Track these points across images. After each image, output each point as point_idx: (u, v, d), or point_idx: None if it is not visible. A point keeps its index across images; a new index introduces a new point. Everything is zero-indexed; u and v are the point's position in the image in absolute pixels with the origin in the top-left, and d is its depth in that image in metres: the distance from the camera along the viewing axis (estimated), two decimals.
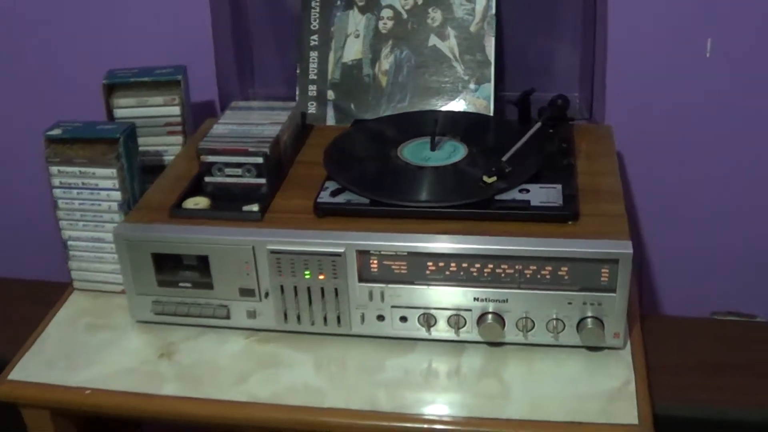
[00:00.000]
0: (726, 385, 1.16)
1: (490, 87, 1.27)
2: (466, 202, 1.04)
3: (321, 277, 1.03)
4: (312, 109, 1.32)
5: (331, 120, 1.32)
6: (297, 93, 1.33)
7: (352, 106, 1.31)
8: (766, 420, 1.10)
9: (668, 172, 1.44)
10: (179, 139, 1.27)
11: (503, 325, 1.03)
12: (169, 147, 1.28)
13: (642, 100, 1.39)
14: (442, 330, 1.04)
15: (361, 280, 1.03)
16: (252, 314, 1.08)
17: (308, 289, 1.04)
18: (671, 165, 1.44)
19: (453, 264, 1.01)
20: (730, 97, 1.37)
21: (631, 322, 1.05)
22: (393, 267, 1.02)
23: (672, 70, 1.36)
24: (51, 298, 1.22)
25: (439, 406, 0.99)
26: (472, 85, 1.28)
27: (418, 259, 1.01)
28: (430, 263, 1.01)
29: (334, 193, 1.07)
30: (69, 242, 1.18)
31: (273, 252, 1.03)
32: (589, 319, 1.01)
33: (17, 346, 1.13)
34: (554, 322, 1.02)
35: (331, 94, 1.32)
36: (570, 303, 1.01)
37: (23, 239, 1.68)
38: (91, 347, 1.11)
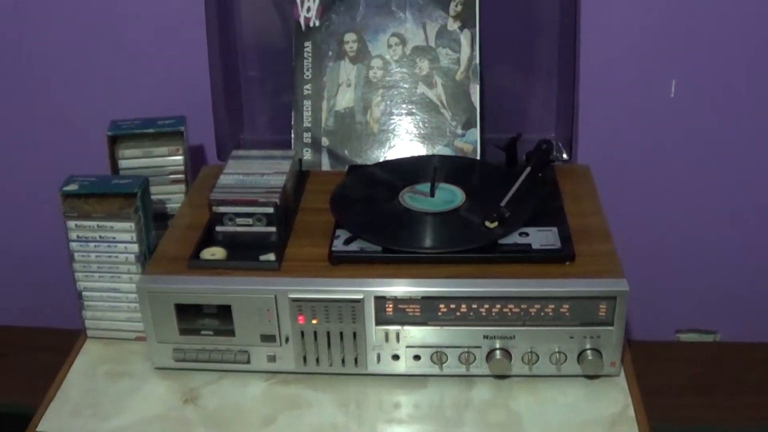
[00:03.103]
0: (709, 403, 1.25)
1: (476, 132, 1.35)
2: (471, 247, 1.12)
3: (340, 322, 1.10)
4: (307, 155, 1.39)
5: (326, 166, 1.39)
6: (292, 140, 1.39)
7: (346, 152, 1.38)
8: None
9: (630, 200, 1.55)
10: (182, 187, 1.33)
11: (510, 359, 1.11)
12: (173, 195, 1.33)
13: (613, 139, 1.49)
14: (452, 366, 1.12)
15: (377, 323, 1.10)
16: (272, 358, 1.14)
17: (327, 333, 1.11)
18: (633, 195, 1.55)
19: (463, 305, 1.08)
20: (693, 134, 1.48)
21: (623, 350, 1.14)
22: (407, 310, 1.09)
23: (639, 109, 1.46)
24: (62, 346, 1.26)
25: None
26: (459, 131, 1.36)
27: (430, 302, 1.08)
28: (441, 305, 1.09)
29: (347, 242, 1.14)
30: (84, 293, 1.22)
31: (294, 300, 1.09)
32: (588, 351, 1.10)
33: (39, 395, 1.16)
34: (557, 355, 1.10)
35: (325, 141, 1.38)
36: (571, 337, 1.09)
37: (27, 287, 1.71)
38: (115, 395, 1.15)
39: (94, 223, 1.17)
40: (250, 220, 1.18)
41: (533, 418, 1.08)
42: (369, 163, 1.36)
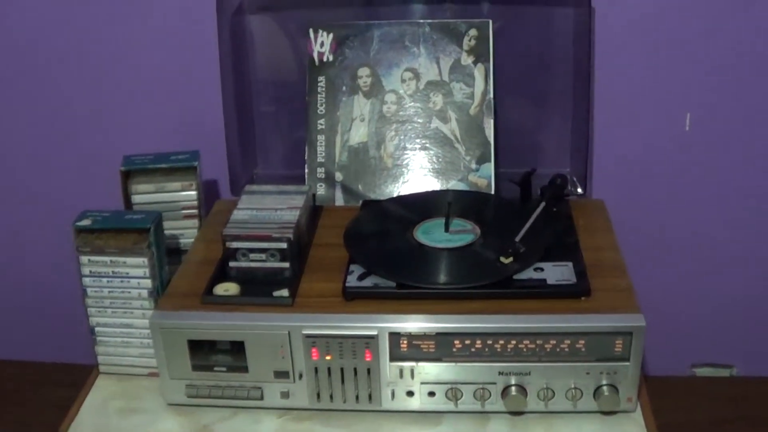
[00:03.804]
0: None
1: (490, 167, 1.35)
2: (486, 282, 1.11)
3: (354, 358, 1.09)
4: (321, 190, 1.38)
5: (339, 201, 1.38)
6: (306, 175, 1.39)
7: (360, 187, 1.38)
8: None
9: (645, 235, 1.54)
10: (195, 222, 1.32)
11: (526, 395, 1.09)
12: (186, 230, 1.32)
13: (627, 173, 1.48)
14: (468, 403, 1.11)
15: (392, 359, 1.09)
16: (285, 395, 1.13)
17: (341, 369, 1.10)
18: (648, 229, 1.54)
19: (478, 342, 1.07)
20: (709, 167, 1.47)
21: (639, 386, 1.13)
22: (422, 346, 1.08)
23: (654, 143, 1.46)
24: (75, 381, 1.25)
25: None
26: (473, 165, 1.36)
27: (445, 338, 1.08)
28: (456, 341, 1.08)
29: (360, 277, 1.14)
30: (96, 328, 1.21)
31: (308, 336, 1.08)
32: (605, 387, 1.09)
33: (51, 431, 1.16)
34: (573, 391, 1.09)
35: (339, 176, 1.38)
36: (587, 373, 1.08)
37: (40, 322, 1.71)
38: (127, 431, 1.14)
39: (107, 259, 1.17)
40: (263, 256, 1.18)
41: None
42: (383, 198, 1.36)
